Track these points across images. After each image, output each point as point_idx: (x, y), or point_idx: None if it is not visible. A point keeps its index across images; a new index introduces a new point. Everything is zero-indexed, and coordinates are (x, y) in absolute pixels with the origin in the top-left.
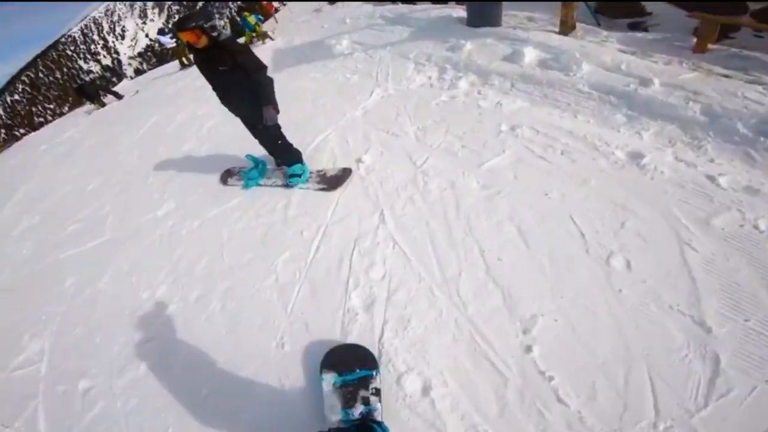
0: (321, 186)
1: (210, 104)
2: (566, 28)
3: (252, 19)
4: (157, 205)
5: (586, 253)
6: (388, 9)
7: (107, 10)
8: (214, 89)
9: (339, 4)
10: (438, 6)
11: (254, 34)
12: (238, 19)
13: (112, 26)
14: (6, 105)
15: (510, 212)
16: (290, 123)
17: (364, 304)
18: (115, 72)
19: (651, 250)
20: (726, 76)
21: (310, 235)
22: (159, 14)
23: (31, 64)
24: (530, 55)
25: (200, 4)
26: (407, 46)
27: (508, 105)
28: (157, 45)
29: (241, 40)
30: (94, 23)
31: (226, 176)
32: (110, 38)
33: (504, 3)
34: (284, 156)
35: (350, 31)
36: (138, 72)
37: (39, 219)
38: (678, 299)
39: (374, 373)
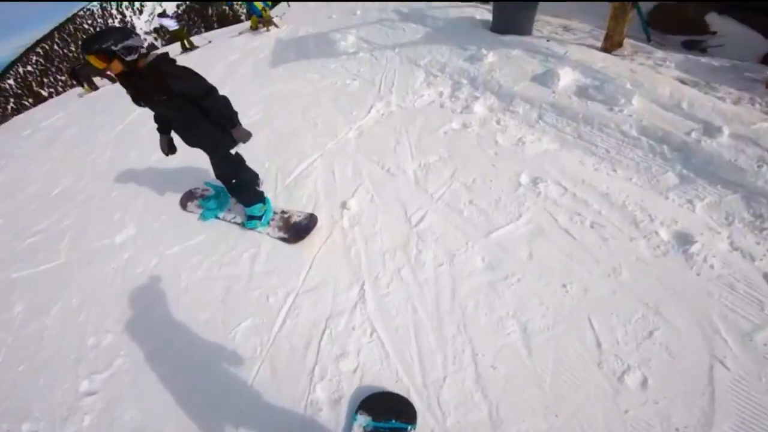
0: (281, 235)
1: None
2: (612, 44)
3: (259, 4)
4: (117, 228)
5: (598, 367)
6: (404, 3)
7: None
8: (156, 122)
9: None
10: (460, 4)
11: (260, 20)
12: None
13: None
14: (18, 76)
15: (516, 307)
16: (273, 138)
17: (330, 399)
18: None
19: (676, 367)
20: None
21: (276, 303)
22: None
23: (47, 37)
24: (567, 78)
25: None
26: (419, 50)
27: (533, 144)
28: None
29: (247, 24)
30: None
31: (187, 200)
32: (128, 13)
33: (540, 3)
34: (241, 195)
35: (359, 26)
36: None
37: (1, 223)
38: (688, 421)
39: (409, 428)
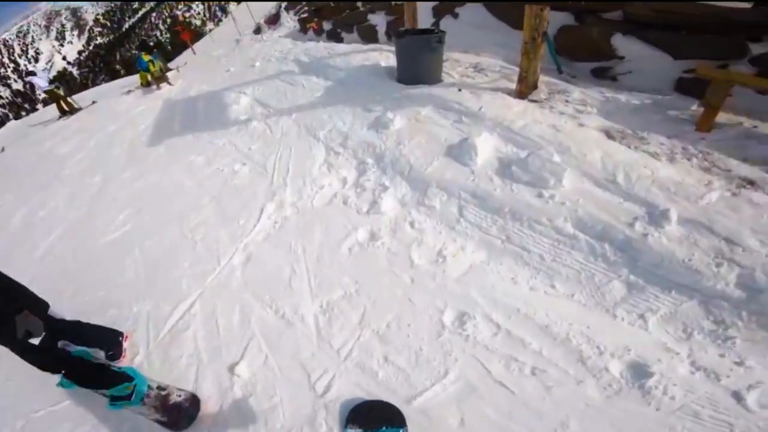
0: (158, 417)
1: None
2: (527, 86)
3: (147, 57)
4: None
5: None
6: (306, 50)
7: (19, 32)
8: None
9: (259, 36)
10: (364, 47)
11: (150, 76)
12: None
13: (24, 48)
14: None
15: None
16: (141, 267)
17: None
18: (27, 98)
19: None
20: (751, 183)
21: None
22: (79, 36)
23: None
24: (485, 148)
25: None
26: (319, 114)
27: (455, 259)
28: (28, 88)
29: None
30: (4, 45)
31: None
32: (22, 61)
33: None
34: (91, 383)
35: (255, 82)
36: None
37: None
38: None
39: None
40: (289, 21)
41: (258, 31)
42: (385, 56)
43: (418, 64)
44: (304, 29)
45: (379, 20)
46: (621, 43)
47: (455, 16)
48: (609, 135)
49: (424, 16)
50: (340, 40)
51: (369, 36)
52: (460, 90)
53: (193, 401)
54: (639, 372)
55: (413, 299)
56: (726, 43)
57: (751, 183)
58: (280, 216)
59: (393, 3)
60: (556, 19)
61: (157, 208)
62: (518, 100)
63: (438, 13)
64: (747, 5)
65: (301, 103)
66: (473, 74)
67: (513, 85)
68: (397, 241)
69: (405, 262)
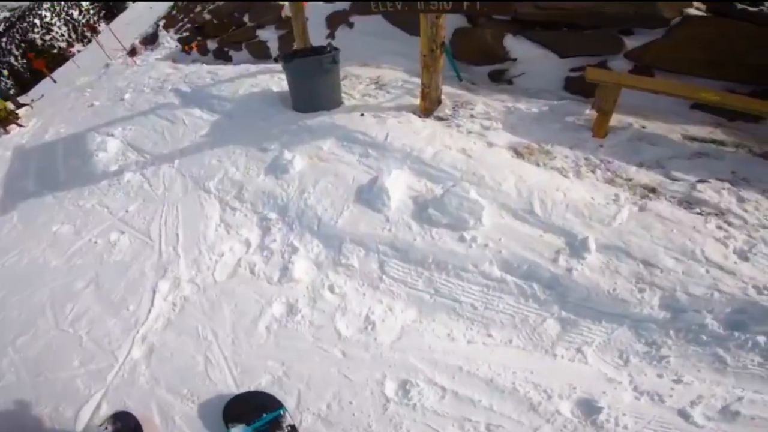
0: None
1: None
2: (431, 102)
3: None
4: None
5: None
6: (187, 76)
7: None
8: None
9: (133, 60)
10: (253, 68)
11: None
12: None
13: None
14: None
15: None
16: (22, 368)
17: None
18: None
19: None
20: (652, 191)
21: None
22: None
23: None
24: (397, 189)
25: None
26: (206, 159)
27: (384, 324)
28: None
29: None
30: None
31: None
32: None
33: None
34: None
35: (126, 119)
36: None
37: None
38: None
39: (282, 411)
40: (169, 41)
41: (133, 52)
42: (277, 80)
43: (313, 89)
44: (186, 49)
45: (269, 35)
46: (512, 44)
47: (350, 25)
48: (517, 152)
49: (317, 29)
50: (228, 59)
51: (260, 53)
52: (362, 115)
53: None
54: (588, 408)
55: (349, 375)
56: (603, 38)
57: (653, 191)
58: (178, 296)
59: (283, 15)
60: (449, 22)
61: (21, 299)
62: (424, 120)
63: (332, 24)
64: None
65: (183, 146)
66: (375, 92)
67: (417, 101)
68: (318, 312)
69: (332, 335)
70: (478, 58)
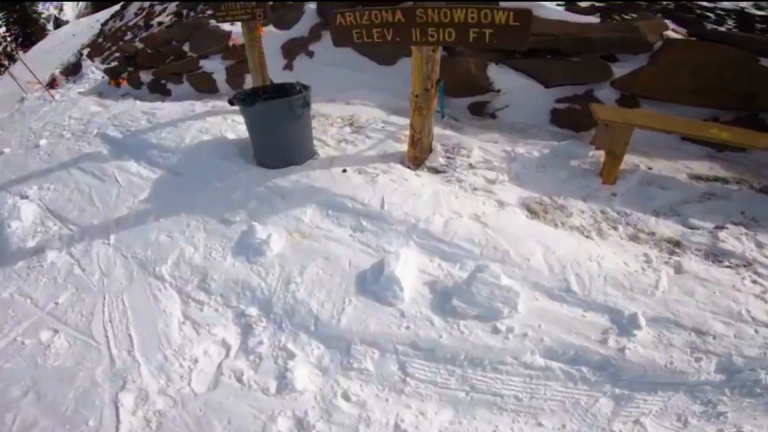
0: None
1: None
2: (422, 150)
3: None
4: None
5: None
6: (116, 116)
7: None
8: None
9: (51, 95)
10: (199, 109)
11: None
12: None
13: None
14: None
15: None
16: None
17: None
18: None
19: None
20: (677, 245)
21: None
22: None
23: None
24: (409, 275)
25: None
26: (153, 234)
27: (420, 428)
28: None
29: None
30: None
31: None
32: None
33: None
34: None
35: (43, 174)
36: None
37: None
38: None
39: None
40: (94, 71)
41: (52, 84)
42: (231, 123)
43: (282, 138)
44: (113, 84)
45: (215, 66)
46: (495, 73)
47: (310, 55)
48: (530, 210)
49: (272, 59)
50: (167, 93)
51: (205, 86)
52: (344, 171)
53: None
54: None
55: None
56: (588, 66)
57: (677, 244)
58: (149, 411)
59: (230, 45)
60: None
61: None
62: (418, 173)
63: (288, 53)
64: (596, 20)
65: (119, 214)
66: (352, 137)
67: (402, 147)
68: (337, 426)
69: None
70: (459, 89)
